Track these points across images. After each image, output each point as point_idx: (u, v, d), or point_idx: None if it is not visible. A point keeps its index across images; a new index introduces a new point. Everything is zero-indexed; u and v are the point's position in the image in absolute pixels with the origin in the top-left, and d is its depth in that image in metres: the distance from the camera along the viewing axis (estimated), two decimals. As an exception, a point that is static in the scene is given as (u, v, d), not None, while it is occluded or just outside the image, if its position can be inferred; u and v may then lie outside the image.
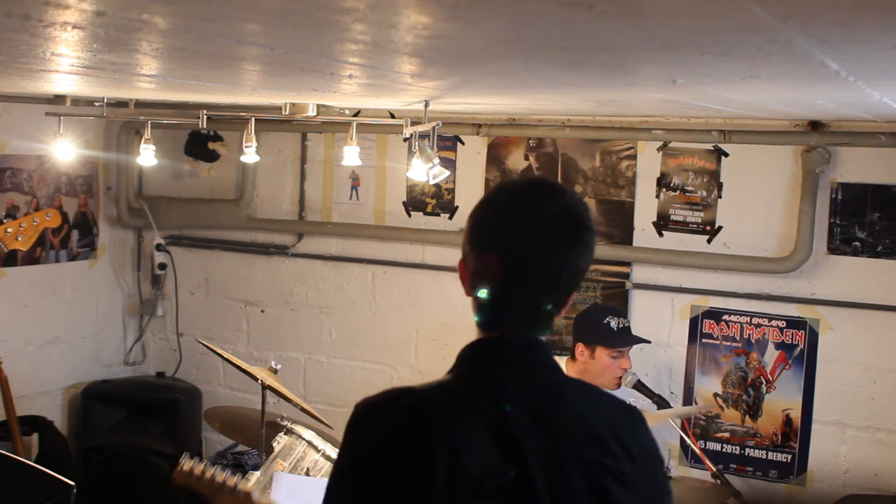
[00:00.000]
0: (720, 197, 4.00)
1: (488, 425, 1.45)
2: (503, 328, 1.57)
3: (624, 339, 3.61)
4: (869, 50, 1.41)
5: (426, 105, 3.11)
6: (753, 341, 3.98)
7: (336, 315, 4.80)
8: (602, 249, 4.13)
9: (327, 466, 3.26)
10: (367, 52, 1.63)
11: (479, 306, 1.58)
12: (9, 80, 2.74)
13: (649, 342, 3.78)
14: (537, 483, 1.43)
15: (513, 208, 1.57)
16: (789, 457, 3.95)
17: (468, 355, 1.58)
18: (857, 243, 3.79)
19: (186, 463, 2.57)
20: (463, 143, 4.44)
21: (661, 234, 4.11)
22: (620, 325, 3.61)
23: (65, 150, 3.83)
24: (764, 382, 3.97)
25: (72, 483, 2.91)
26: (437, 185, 4.35)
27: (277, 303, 4.93)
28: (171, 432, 4.67)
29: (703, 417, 4.07)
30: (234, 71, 2.12)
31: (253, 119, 3.56)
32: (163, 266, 5.04)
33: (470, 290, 1.58)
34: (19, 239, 3.36)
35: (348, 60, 1.79)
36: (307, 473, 3.21)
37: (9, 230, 3.32)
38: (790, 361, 3.93)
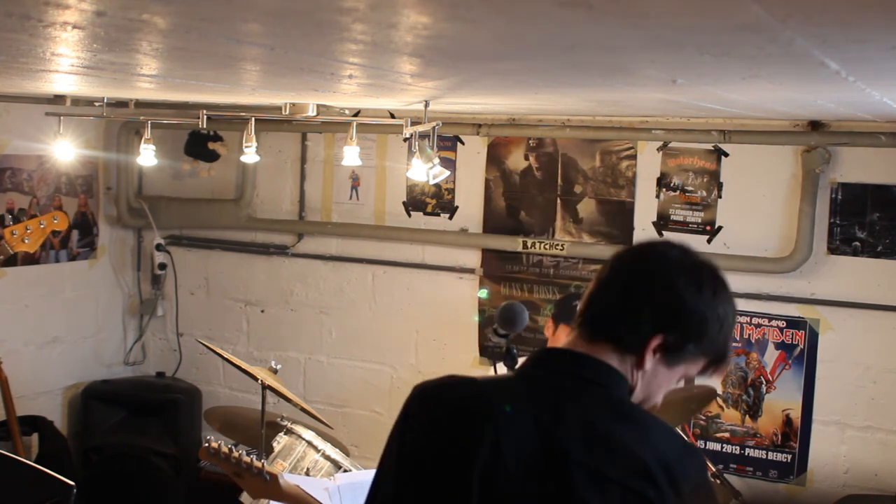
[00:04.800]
0: (720, 197, 4.00)
1: (539, 432, 1.46)
2: (579, 343, 1.57)
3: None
4: (869, 50, 1.41)
5: (426, 105, 3.11)
6: (753, 341, 3.98)
7: (336, 315, 4.80)
8: (602, 249, 4.13)
9: (327, 466, 3.26)
10: (367, 52, 1.63)
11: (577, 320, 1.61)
12: (9, 80, 2.74)
13: None
14: (574, 499, 1.43)
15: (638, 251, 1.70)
16: (789, 457, 3.95)
17: (534, 360, 1.60)
18: (857, 243, 3.80)
19: (213, 442, 2.61)
20: (463, 143, 4.44)
21: (661, 234, 4.11)
22: None
23: (65, 150, 3.83)
24: (764, 382, 3.97)
25: (72, 483, 2.91)
26: (437, 185, 4.35)
27: (277, 303, 4.93)
28: (171, 432, 4.67)
29: (703, 418, 4.07)
30: (234, 71, 2.12)
31: (253, 119, 3.56)
32: (163, 266, 5.04)
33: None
34: (25, 241, 3.35)
35: (348, 60, 1.79)
36: (307, 473, 3.21)
37: (15, 232, 3.31)
38: (790, 361, 3.93)
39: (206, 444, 2.61)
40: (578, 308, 1.60)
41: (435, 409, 1.55)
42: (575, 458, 1.45)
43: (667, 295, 1.51)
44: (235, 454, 2.56)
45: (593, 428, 1.49)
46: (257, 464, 2.54)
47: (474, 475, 1.44)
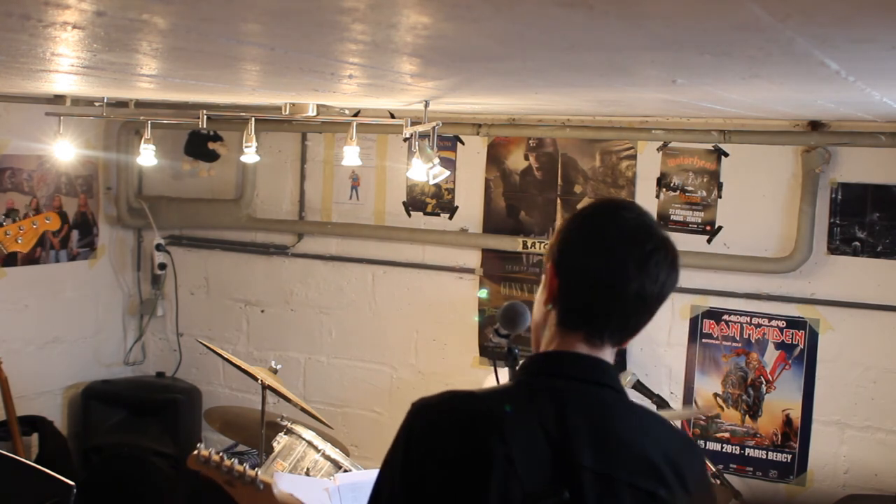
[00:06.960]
0: (720, 197, 4.00)
1: (547, 440, 1.44)
2: (575, 344, 1.55)
3: None
4: (869, 50, 1.41)
5: (426, 105, 3.11)
6: (753, 341, 3.98)
7: (336, 315, 4.80)
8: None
9: (327, 466, 3.26)
10: (367, 52, 1.63)
11: (558, 318, 1.56)
12: (9, 80, 2.74)
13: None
14: None
15: (591, 230, 1.55)
16: (789, 457, 3.95)
17: (531, 366, 1.57)
18: (857, 243, 3.79)
19: (203, 450, 2.56)
20: (463, 143, 4.44)
21: (661, 234, 4.10)
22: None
23: (65, 150, 3.83)
24: (764, 382, 3.97)
25: (72, 483, 2.91)
26: (437, 185, 4.35)
27: (277, 303, 4.93)
28: (171, 432, 4.67)
29: (703, 418, 4.07)
30: (234, 71, 2.12)
31: (253, 119, 3.57)
32: (163, 266, 5.04)
33: (546, 303, 1.57)
34: (19, 241, 3.38)
35: (348, 60, 1.79)
36: (307, 473, 3.21)
37: (8, 233, 3.33)
38: (790, 361, 3.93)
39: (196, 452, 2.52)
40: (553, 303, 1.56)
41: (439, 427, 1.49)
42: (584, 464, 1.43)
43: (655, 290, 1.50)
44: (227, 462, 2.48)
45: (599, 431, 1.47)
46: (250, 472, 2.48)
47: (490, 493, 1.40)
